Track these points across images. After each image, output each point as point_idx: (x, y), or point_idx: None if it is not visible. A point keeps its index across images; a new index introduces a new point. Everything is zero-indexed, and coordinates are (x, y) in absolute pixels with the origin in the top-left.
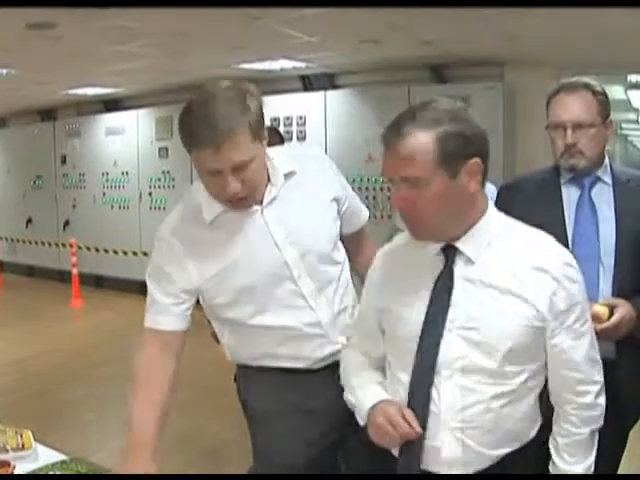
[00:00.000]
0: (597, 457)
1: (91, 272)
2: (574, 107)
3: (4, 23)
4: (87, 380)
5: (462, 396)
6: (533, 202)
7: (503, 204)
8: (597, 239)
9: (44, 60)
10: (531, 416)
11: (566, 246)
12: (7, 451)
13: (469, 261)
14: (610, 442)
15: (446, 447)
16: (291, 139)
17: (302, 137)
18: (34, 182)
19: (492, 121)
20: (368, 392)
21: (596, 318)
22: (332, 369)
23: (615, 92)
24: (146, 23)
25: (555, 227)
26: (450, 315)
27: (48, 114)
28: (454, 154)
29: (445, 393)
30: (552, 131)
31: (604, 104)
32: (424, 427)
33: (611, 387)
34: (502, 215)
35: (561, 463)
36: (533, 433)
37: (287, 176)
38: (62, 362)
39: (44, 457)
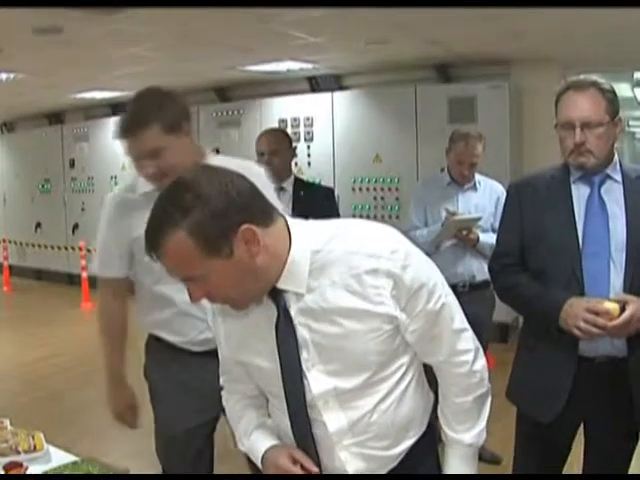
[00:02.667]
0: (608, 454)
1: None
2: (583, 105)
3: (11, 27)
4: (98, 383)
5: (346, 417)
6: (543, 200)
7: (512, 203)
8: (607, 236)
9: (51, 64)
10: (421, 402)
11: (576, 244)
12: (19, 453)
13: (299, 295)
14: (621, 438)
15: (349, 464)
16: (299, 140)
17: (309, 138)
18: (42, 186)
19: (499, 120)
20: (255, 440)
21: (607, 315)
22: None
23: (622, 89)
24: (153, 26)
25: (565, 225)
26: (303, 355)
27: (56, 118)
28: (216, 238)
29: (329, 419)
30: (561, 130)
31: (612, 102)
32: (317, 454)
33: (622, 384)
34: (319, 229)
35: (451, 432)
36: (428, 416)
37: None
38: (72, 365)
39: (56, 458)
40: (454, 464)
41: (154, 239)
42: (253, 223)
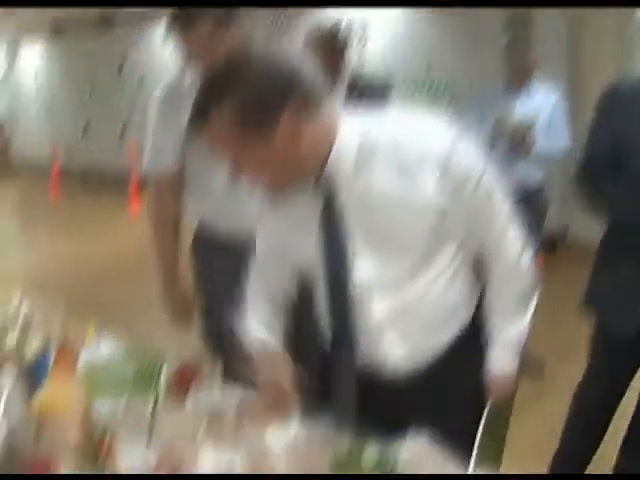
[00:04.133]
0: None
1: None
2: None
3: None
4: (148, 284)
5: (391, 304)
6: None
7: (608, 106)
8: None
9: None
10: (466, 293)
11: None
12: (70, 343)
13: (345, 181)
14: None
15: (392, 354)
16: None
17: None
18: (91, 88)
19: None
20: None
21: None
22: None
23: None
24: None
25: None
26: (349, 243)
27: (106, 21)
28: (260, 117)
29: (374, 307)
30: None
31: None
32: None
33: None
34: (369, 113)
35: (497, 326)
36: (473, 309)
37: None
38: (121, 266)
39: (106, 349)
40: (497, 359)
41: (199, 114)
42: (300, 105)
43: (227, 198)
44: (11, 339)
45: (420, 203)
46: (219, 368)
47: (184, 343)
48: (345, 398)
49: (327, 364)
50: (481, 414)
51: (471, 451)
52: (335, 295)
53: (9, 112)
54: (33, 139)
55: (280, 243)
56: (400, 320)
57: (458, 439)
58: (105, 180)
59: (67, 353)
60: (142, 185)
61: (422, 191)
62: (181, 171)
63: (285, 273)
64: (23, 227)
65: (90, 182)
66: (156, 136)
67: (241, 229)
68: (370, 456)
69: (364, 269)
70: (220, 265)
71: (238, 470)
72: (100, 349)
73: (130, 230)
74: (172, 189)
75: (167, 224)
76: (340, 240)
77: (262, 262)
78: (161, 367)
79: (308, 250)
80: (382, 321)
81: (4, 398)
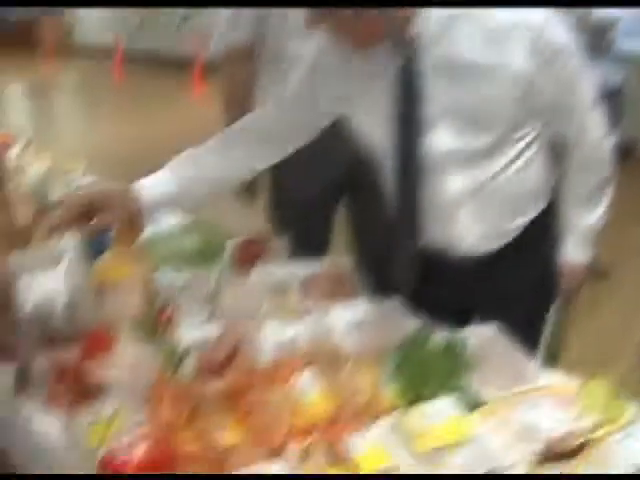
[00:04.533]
0: None
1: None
2: None
3: None
4: None
5: (468, 180)
6: None
7: None
8: None
9: None
10: (544, 176)
11: None
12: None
13: (428, 43)
14: None
15: (464, 235)
16: None
17: None
18: None
19: None
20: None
21: None
22: None
23: None
24: None
25: None
26: (428, 110)
27: None
28: None
29: (450, 181)
30: None
31: None
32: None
33: None
34: None
35: (572, 213)
36: (550, 192)
37: None
38: (184, 144)
39: (170, 222)
40: (571, 247)
41: None
42: None
43: None
44: None
45: (507, 73)
46: (286, 242)
47: (249, 217)
48: (409, 277)
49: (392, 242)
50: (546, 306)
51: (533, 344)
52: (406, 166)
53: None
54: (96, 26)
55: (345, 104)
56: (475, 199)
57: (522, 330)
58: (168, 65)
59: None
60: (207, 68)
61: (510, 61)
62: (255, 44)
63: (308, 129)
64: (87, 108)
65: (153, 67)
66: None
67: None
68: (438, 339)
69: (441, 140)
70: None
71: (301, 345)
72: (164, 222)
73: (193, 111)
74: (245, 64)
75: (239, 99)
76: (416, 106)
77: (296, 100)
78: (226, 240)
79: (378, 116)
80: (456, 198)
81: (66, 266)
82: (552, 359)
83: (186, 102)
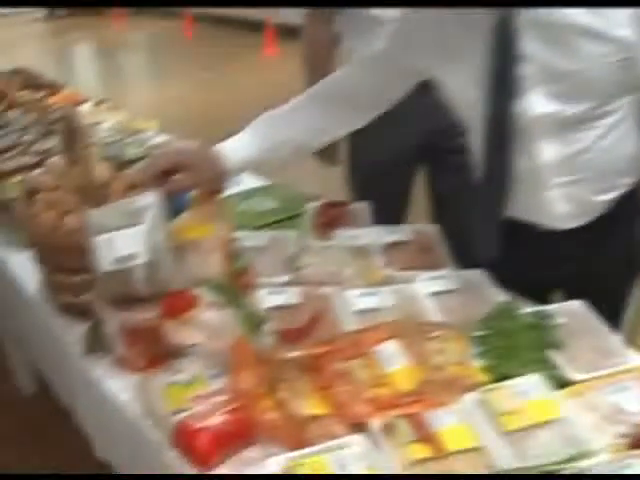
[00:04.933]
0: None
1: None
2: None
3: None
4: None
5: (562, 148)
6: None
7: None
8: None
9: None
10: (636, 152)
11: None
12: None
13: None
14: None
15: (555, 206)
16: None
17: None
18: None
19: None
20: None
21: None
22: None
23: None
24: None
25: None
26: (524, 72)
27: None
28: None
29: (543, 149)
30: None
31: None
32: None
33: None
34: None
35: None
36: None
37: None
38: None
39: (250, 183)
40: None
41: None
42: None
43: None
44: None
45: (609, 38)
46: (367, 206)
47: (331, 180)
48: (492, 249)
49: (476, 211)
50: (630, 285)
51: (616, 323)
52: (497, 129)
53: None
54: None
55: (435, 62)
56: (567, 169)
57: (606, 308)
58: (240, 25)
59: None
60: (281, 30)
61: (613, 25)
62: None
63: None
64: (158, 67)
65: (224, 27)
66: None
67: None
68: (525, 314)
69: (535, 104)
70: None
71: (385, 314)
72: (244, 183)
73: (267, 73)
74: (327, 24)
75: (320, 60)
76: (512, 65)
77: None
78: (306, 203)
79: (470, 75)
80: (547, 167)
81: (145, 224)
82: (633, 338)
83: (258, 63)
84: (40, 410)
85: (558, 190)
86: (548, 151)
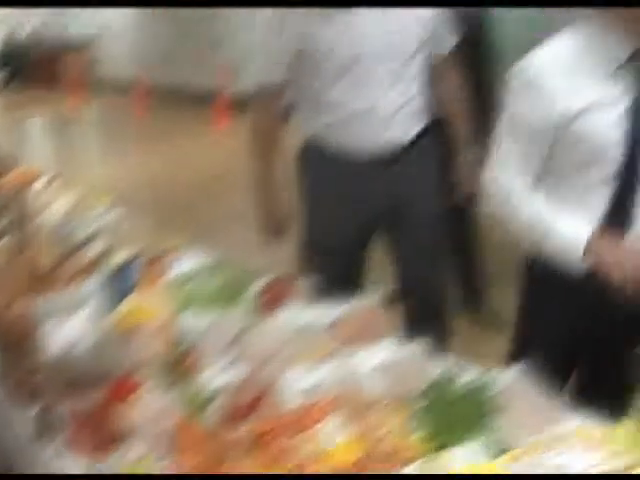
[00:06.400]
0: None
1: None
2: None
3: None
4: (234, 199)
5: None
6: None
7: None
8: None
9: None
10: None
11: None
12: (159, 254)
13: None
14: None
15: None
16: None
17: None
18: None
19: None
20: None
21: None
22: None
23: None
24: None
25: None
26: None
27: None
28: None
29: None
30: None
31: None
32: None
33: None
34: None
35: None
36: None
37: None
38: (205, 182)
39: (194, 262)
40: None
41: None
42: None
43: (343, 112)
44: (98, 247)
45: None
46: (316, 280)
47: (275, 258)
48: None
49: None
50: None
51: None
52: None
53: (94, 34)
54: (118, 60)
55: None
56: None
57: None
58: (191, 99)
59: (155, 264)
60: (233, 103)
61: None
62: (287, 84)
63: None
64: (111, 142)
65: (176, 101)
66: (264, 49)
67: (355, 144)
68: (463, 383)
69: None
70: (331, 174)
71: (328, 389)
72: (189, 262)
73: (218, 146)
74: (277, 103)
75: (269, 136)
76: None
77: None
78: (251, 281)
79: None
80: None
81: (90, 308)
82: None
83: (210, 136)
84: None
85: None
86: None
